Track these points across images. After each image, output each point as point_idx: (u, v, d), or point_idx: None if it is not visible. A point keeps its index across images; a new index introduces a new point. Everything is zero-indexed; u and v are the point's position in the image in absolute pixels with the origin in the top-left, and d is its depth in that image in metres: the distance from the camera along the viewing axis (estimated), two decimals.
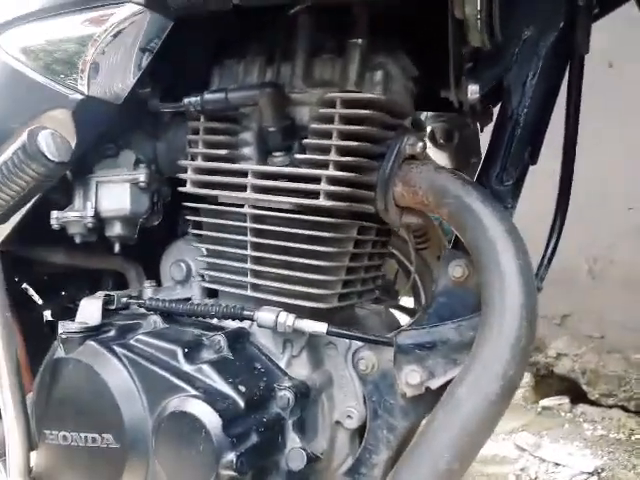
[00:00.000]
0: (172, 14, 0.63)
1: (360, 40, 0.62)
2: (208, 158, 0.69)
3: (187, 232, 0.80)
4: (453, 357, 0.62)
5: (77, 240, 0.76)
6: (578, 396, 1.63)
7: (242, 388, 0.59)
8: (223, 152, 0.67)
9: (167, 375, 0.58)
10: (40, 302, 0.99)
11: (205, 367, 0.59)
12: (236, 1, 0.57)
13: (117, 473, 0.59)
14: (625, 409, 1.57)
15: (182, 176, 0.70)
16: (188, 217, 0.72)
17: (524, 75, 0.62)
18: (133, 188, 0.74)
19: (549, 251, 0.67)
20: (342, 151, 0.61)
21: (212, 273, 0.71)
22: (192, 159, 0.70)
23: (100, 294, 0.70)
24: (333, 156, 0.61)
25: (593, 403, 1.62)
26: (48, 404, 0.63)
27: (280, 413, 0.61)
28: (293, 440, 0.61)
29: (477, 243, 0.57)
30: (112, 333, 0.65)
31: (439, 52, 0.63)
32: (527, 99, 0.62)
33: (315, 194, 0.62)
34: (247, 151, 0.68)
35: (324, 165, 0.62)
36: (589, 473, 1.39)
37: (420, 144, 0.63)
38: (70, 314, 0.86)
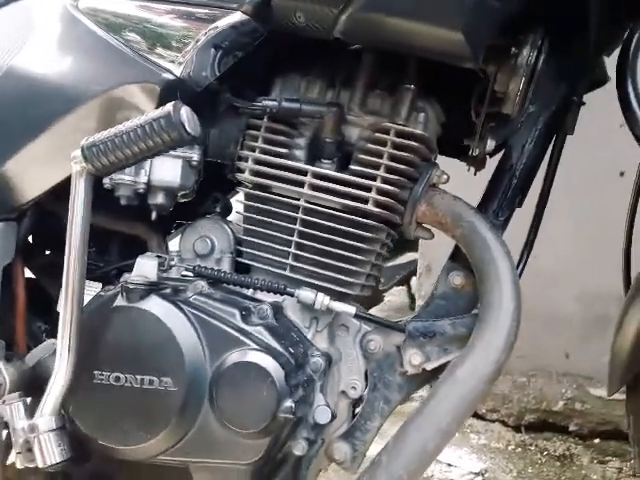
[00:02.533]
0: (269, 27, 0.74)
1: (412, 86, 0.78)
2: (266, 152, 0.80)
3: (211, 211, 0.89)
4: (445, 347, 0.78)
5: (122, 202, 0.81)
6: None
7: (291, 350, 0.70)
8: (284, 150, 0.79)
9: (230, 330, 0.68)
10: None
11: (261, 328, 0.70)
12: (337, 35, 0.70)
13: (169, 414, 0.66)
14: (505, 424, 1.87)
15: (242, 165, 0.80)
16: (240, 200, 0.82)
17: (524, 140, 0.82)
18: (185, 165, 0.82)
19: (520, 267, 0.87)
20: (390, 170, 0.76)
21: (250, 251, 0.81)
22: (247, 150, 0.81)
23: (151, 255, 0.77)
24: (382, 173, 0.76)
25: (480, 417, 1.90)
26: (101, 347, 0.69)
27: (312, 375, 0.73)
28: (319, 399, 0.73)
29: (483, 258, 0.75)
30: (169, 291, 0.72)
31: (467, 107, 0.81)
32: (523, 158, 0.82)
33: (364, 200, 0.76)
34: (298, 153, 0.80)
35: (372, 178, 0.76)
36: (475, 473, 1.64)
37: (444, 176, 0.80)
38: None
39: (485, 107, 0.77)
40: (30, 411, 0.70)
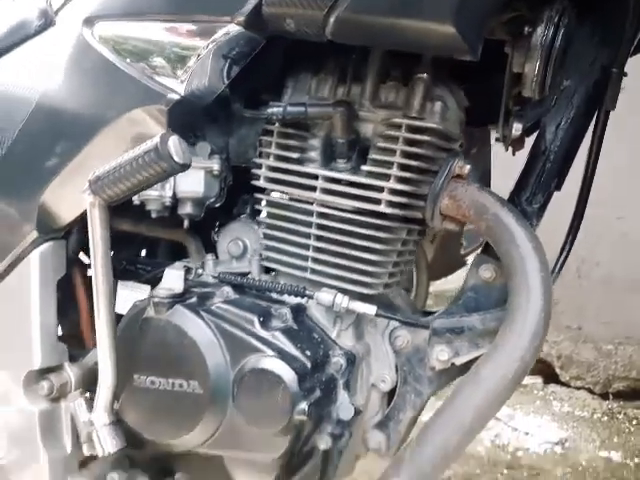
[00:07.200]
0: (266, 35, 0.73)
1: (425, 75, 0.73)
2: (280, 158, 0.80)
3: (243, 213, 0.92)
4: (476, 342, 0.76)
5: (153, 215, 0.86)
6: (551, 377, 1.83)
7: (308, 352, 0.72)
8: (295, 155, 0.79)
9: (248, 338, 0.72)
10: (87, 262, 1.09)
11: (278, 334, 0.73)
12: (329, 37, 0.67)
13: (198, 414, 0.72)
14: (591, 391, 1.78)
15: (256, 172, 0.81)
16: (258, 207, 0.83)
17: (559, 119, 0.75)
18: (207, 175, 0.85)
19: (559, 264, 0.81)
20: (403, 167, 0.74)
21: (273, 255, 0.83)
22: (262, 157, 0.82)
23: (179, 265, 0.82)
24: (395, 171, 0.73)
25: (563, 384, 1.82)
26: (138, 354, 0.76)
27: (334, 374, 0.75)
28: (343, 396, 0.76)
29: (510, 255, 0.71)
30: (194, 300, 0.77)
31: (490, 91, 0.75)
32: (558, 139, 0.75)
33: (376, 201, 0.74)
34: (313, 155, 0.80)
35: (386, 177, 0.74)
36: (554, 443, 1.60)
37: (467, 167, 0.76)
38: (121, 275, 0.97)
39: (505, 90, 0.71)
40: (91, 406, 0.80)
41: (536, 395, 1.82)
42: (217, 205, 0.90)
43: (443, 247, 1.29)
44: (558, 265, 0.81)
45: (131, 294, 0.93)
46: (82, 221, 0.88)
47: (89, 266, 0.99)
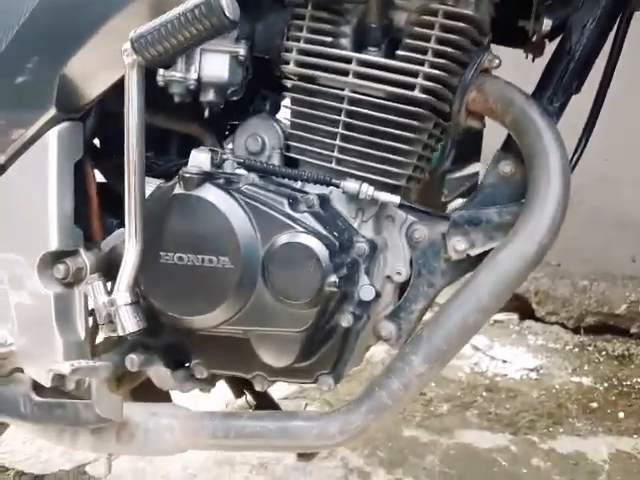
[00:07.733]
0: None
1: None
2: (311, 42, 0.79)
3: (261, 110, 0.91)
4: (491, 234, 0.79)
5: (176, 99, 0.85)
6: (527, 314, 1.92)
7: (335, 234, 0.74)
8: (329, 39, 0.79)
9: (279, 215, 0.73)
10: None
11: (307, 215, 0.74)
12: None
13: (228, 288, 0.73)
14: (564, 326, 1.88)
15: (287, 56, 0.81)
16: (289, 94, 0.83)
17: (585, 19, 0.76)
18: (232, 60, 0.84)
19: (574, 161, 0.85)
20: (438, 54, 0.74)
21: (298, 145, 0.84)
22: (292, 41, 0.81)
23: (205, 149, 0.82)
24: (430, 57, 0.74)
25: (539, 320, 1.92)
26: (165, 231, 0.76)
27: (357, 258, 0.78)
28: (363, 279, 0.78)
29: (533, 146, 0.73)
30: (222, 181, 0.77)
31: None
32: (584, 39, 0.77)
33: (410, 87, 0.75)
34: (344, 42, 0.80)
35: (419, 63, 0.75)
36: (530, 369, 1.70)
37: (497, 60, 0.77)
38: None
39: None
40: (109, 289, 0.80)
41: (512, 329, 1.91)
42: (235, 98, 0.89)
43: (425, 194, 1.32)
44: (573, 162, 0.84)
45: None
46: (100, 103, 0.86)
47: (103, 159, 0.97)
